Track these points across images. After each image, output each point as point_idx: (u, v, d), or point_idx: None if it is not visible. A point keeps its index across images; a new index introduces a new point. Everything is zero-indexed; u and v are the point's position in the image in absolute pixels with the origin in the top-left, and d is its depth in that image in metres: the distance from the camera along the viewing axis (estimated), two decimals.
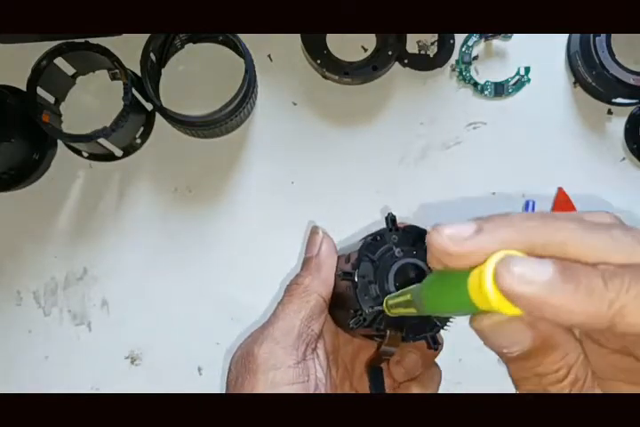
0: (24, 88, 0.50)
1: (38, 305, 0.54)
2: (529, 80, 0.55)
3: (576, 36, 0.54)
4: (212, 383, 0.51)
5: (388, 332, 0.33)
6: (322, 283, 0.36)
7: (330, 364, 0.37)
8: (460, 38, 0.55)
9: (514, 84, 0.55)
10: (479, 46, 0.55)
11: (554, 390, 0.21)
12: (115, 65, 0.50)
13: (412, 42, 0.55)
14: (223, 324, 0.52)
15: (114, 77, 0.55)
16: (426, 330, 0.33)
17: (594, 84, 0.53)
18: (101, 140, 0.50)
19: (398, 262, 0.33)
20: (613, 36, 0.51)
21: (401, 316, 0.29)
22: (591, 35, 0.51)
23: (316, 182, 0.54)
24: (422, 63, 0.54)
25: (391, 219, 0.34)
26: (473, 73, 0.55)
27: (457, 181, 0.54)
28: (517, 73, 0.55)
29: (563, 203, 0.52)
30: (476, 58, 0.55)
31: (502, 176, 0.54)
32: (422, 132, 0.55)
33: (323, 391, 0.34)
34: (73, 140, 0.50)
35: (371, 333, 0.34)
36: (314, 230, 0.38)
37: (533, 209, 0.52)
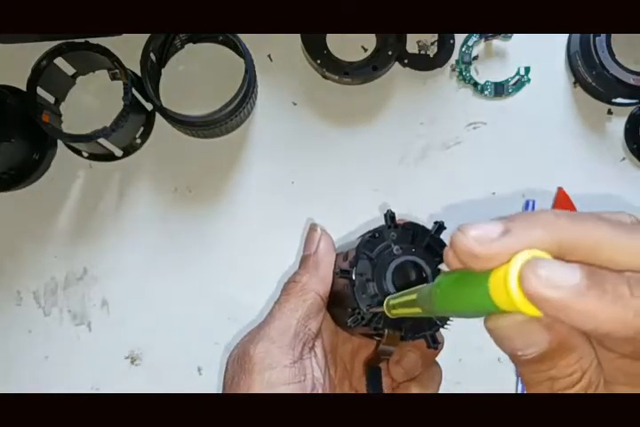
0: (24, 88, 0.50)
1: (38, 305, 0.54)
2: (529, 80, 0.55)
3: (576, 36, 0.54)
4: (212, 383, 0.51)
5: (387, 331, 0.32)
6: (320, 281, 0.35)
7: (328, 363, 0.37)
8: (460, 38, 0.55)
9: (514, 84, 0.55)
10: (479, 46, 0.55)
11: (566, 393, 0.21)
12: (115, 65, 0.50)
13: (412, 42, 0.55)
14: (223, 324, 0.52)
15: (114, 77, 0.55)
16: (425, 329, 0.33)
17: (594, 84, 0.53)
18: (101, 140, 0.50)
19: (397, 260, 0.33)
20: (613, 36, 0.51)
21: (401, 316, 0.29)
22: (591, 35, 0.51)
23: (316, 182, 0.54)
24: (422, 63, 0.54)
25: (390, 216, 0.34)
26: (473, 73, 0.55)
27: (457, 181, 0.54)
28: (517, 73, 0.55)
29: (563, 203, 0.52)
30: (475, 58, 0.55)
31: (502, 176, 0.54)
32: (422, 132, 0.55)
33: (320, 391, 0.34)
34: (73, 141, 0.50)
35: (369, 331, 0.34)
36: (312, 228, 0.38)
37: (533, 209, 0.52)
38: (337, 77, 0.53)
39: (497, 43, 0.55)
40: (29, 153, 0.53)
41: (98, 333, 0.54)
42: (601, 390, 0.22)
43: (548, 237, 0.19)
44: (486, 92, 0.55)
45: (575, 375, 0.21)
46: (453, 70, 0.55)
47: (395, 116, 0.55)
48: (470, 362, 0.51)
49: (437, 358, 0.38)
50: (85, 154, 0.55)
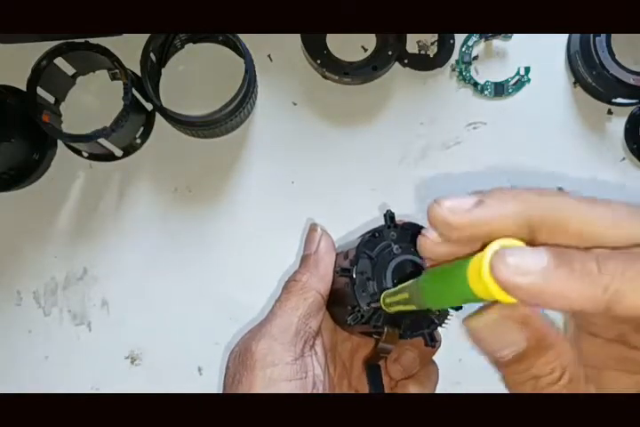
0: (24, 88, 0.50)
1: (38, 305, 0.54)
2: (529, 80, 0.55)
3: (576, 36, 0.54)
4: (212, 383, 0.51)
5: (386, 329, 0.33)
6: (320, 280, 0.36)
7: (328, 361, 0.37)
8: (460, 38, 0.55)
9: (514, 84, 0.55)
10: (479, 46, 0.55)
11: (550, 391, 0.21)
12: (115, 65, 0.50)
13: (412, 42, 0.55)
14: (223, 324, 0.52)
15: (114, 77, 0.55)
16: (423, 327, 0.33)
17: (594, 84, 0.53)
18: (101, 140, 0.50)
19: (396, 259, 0.33)
20: (613, 36, 0.51)
21: (398, 312, 0.29)
22: (591, 35, 0.51)
23: (316, 182, 0.54)
24: (422, 63, 0.54)
25: (390, 216, 0.34)
26: (473, 73, 0.55)
27: (457, 181, 0.54)
28: (517, 73, 0.55)
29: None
30: (475, 58, 0.55)
31: (502, 176, 0.54)
32: (422, 132, 0.55)
33: (320, 388, 0.34)
34: (73, 141, 0.50)
35: (368, 330, 0.34)
36: (312, 227, 0.38)
37: None
38: (337, 77, 0.53)
39: (497, 43, 0.55)
40: (29, 153, 0.53)
41: (98, 333, 0.54)
42: (583, 386, 0.22)
43: (518, 209, 0.20)
44: (486, 92, 0.55)
45: (556, 373, 0.21)
46: (453, 70, 0.55)
47: (395, 116, 0.55)
48: (470, 362, 0.51)
49: (438, 358, 0.38)
50: (85, 154, 0.55)
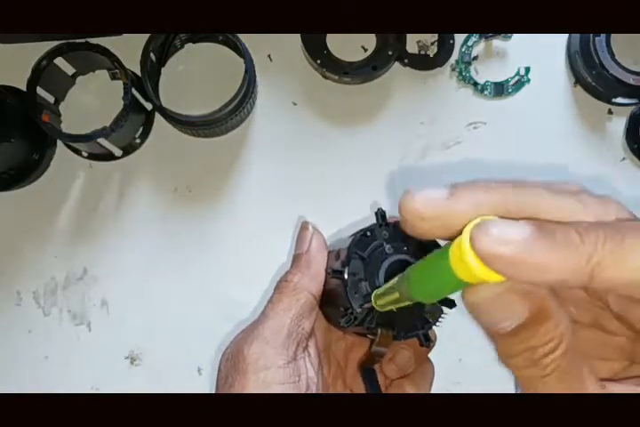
0: (24, 88, 0.50)
1: (38, 305, 0.54)
2: (529, 80, 0.55)
3: (576, 36, 0.54)
4: (212, 384, 0.51)
5: (379, 331, 0.32)
6: (312, 280, 0.35)
7: (322, 362, 0.37)
8: (459, 38, 0.55)
9: (514, 84, 0.55)
10: (479, 46, 0.55)
11: (546, 361, 0.21)
12: (114, 65, 0.50)
13: (412, 42, 0.55)
14: (223, 324, 0.52)
15: (114, 77, 0.55)
16: (417, 327, 0.33)
17: (594, 83, 0.53)
18: (101, 140, 0.50)
19: (389, 259, 0.32)
20: (613, 36, 0.51)
21: (391, 311, 0.29)
22: (591, 35, 0.51)
23: (316, 182, 0.54)
24: (422, 63, 0.54)
25: (381, 214, 0.34)
26: (473, 73, 0.55)
27: (456, 181, 0.54)
28: (517, 73, 0.55)
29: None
30: (475, 58, 0.55)
31: (502, 176, 0.54)
32: (422, 132, 0.55)
33: (314, 391, 0.34)
34: (73, 140, 0.50)
35: (362, 331, 0.34)
36: (304, 226, 0.38)
37: None
38: (337, 77, 0.53)
39: (497, 43, 0.55)
40: (29, 153, 0.53)
41: (98, 333, 0.54)
42: (577, 357, 0.22)
43: (491, 198, 0.20)
44: (486, 92, 0.55)
45: (553, 342, 0.21)
46: (453, 70, 0.55)
47: (395, 116, 0.55)
48: (470, 362, 0.51)
49: (438, 358, 0.38)
50: (85, 154, 0.55)
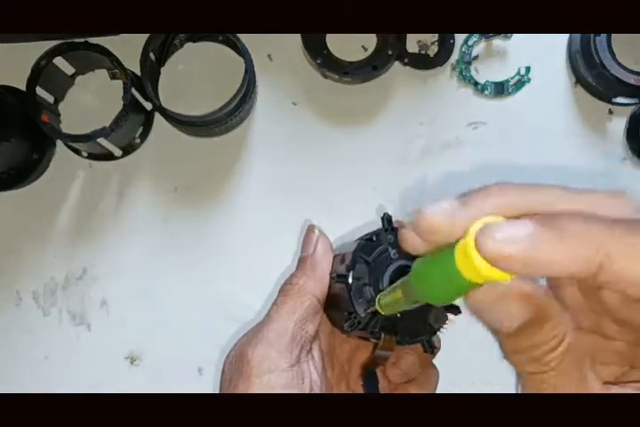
0: (23, 88, 0.50)
1: (38, 305, 0.54)
2: (529, 80, 0.55)
3: (576, 36, 0.54)
4: (213, 384, 0.51)
5: (383, 336, 0.32)
6: (317, 283, 0.35)
7: (325, 364, 0.37)
8: (460, 38, 0.55)
9: (514, 83, 0.55)
10: (479, 46, 0.55)
11: (547, 358, 0.21)
12: (114, 65, 0.50)
13: (413, 41, 0.55)
14: (223, 324, 0.52)
15: (113, 77, 0.55)
16: (421, 333, 0.33)
17: (594, 83, 0.53)
18: (101, 140, 0.50)
19: (394, 264, 0.32)
20: (614, 35, 0.51)
21: (395, 316, 0.29)
22: (591, 35, 0.51)
23: (316, 182, 0.54)
24: (422, 63, 0.54)
25: (387, 219, 0.33)
26: (473, 73, 0.55)
27: (457, 181, 0.54)
28: (517, 73, 0.55)
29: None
30: (476, 57, 0.55)
31: (502, 176, 0.54)
32: (422, 132, 0.55)
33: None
34: (72, 140, 0.50)
35: (365, 335, 0.33)
36: (310, 229, 0.38)
37: None
38: (337, 77, 0.53)
39: (497, 42, 0.55)
40: (29, 153, 0.53)
41: (97, 333, 0.54)
42: (579, 359, 0.22)
43: (502, 203, 0.20)
44: (486, 92, 0.55)
45: (555, 340, 0.21)
46: (453, 70, 0.55)
47: (395, 115, 0.55)
48: (470, 362, 0.51)
49: (439, 358, 0.38)
50: (85, 154, 0.55)
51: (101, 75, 0.55)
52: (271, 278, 0.50)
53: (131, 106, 0.50)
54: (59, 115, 0.55)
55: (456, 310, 0.32)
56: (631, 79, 0.51)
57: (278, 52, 0.55)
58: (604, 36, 0.51)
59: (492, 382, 0.51)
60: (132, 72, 0.52)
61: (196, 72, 0.55)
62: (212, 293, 0.54)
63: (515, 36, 0.54)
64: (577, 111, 0.55)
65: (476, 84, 0.55)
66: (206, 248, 0.54)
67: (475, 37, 0.55)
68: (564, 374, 0.21)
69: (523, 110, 0.55)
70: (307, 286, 0.35)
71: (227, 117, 0.51)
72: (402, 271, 0.32)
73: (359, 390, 0.37)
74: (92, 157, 0.55)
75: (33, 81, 0.50)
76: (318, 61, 0.52)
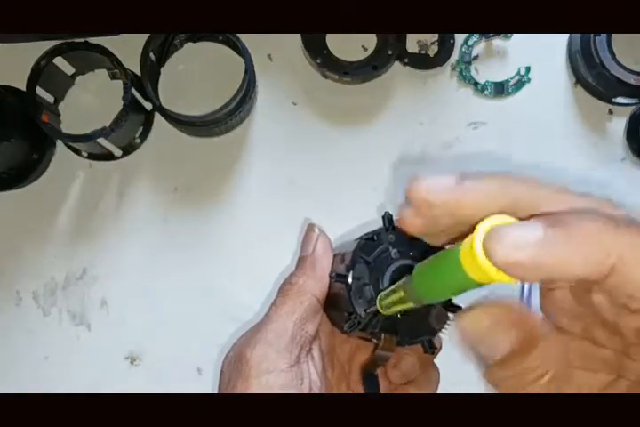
0: (23, 88, 0.50)
1: (38, 305, 0.54)
2: (529, 80, 0.55)
3: (576, 36, 0.54)
4: (212, 384, 0.51)
5: (383, 336, 0.32)
6: (316, 283, 0.35)
7: (325, 365, 0.36)
8: (460, 38, 0.55)
9: (514, 83, 0.55)
10: (479, 46, 0.55)
11: (533, 388, 0.21)
12: (114, 64, 0.50)
13: (413, 41, 0.55)
14: (223, 324, 0.52)
15: (113, 77, 0.55)
16: (422, 334, 0.32)
17: (594, 83, 0.53)
18: (101, 140, 0.50)
19: (394, 264, 0.32)
20: (614, 35, 0.51)
21: (396, 316, 0.28)
22: (591, 34, 0.51)
23: (316, 182, 0.54)
24: (422, 63, 0.54)
25: (388, 218, 0.33)
26: (473, 73, 0.55)
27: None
28: (517, 73, 0.55)
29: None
30: (476, 57, 0.55)
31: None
32: (422, 132, 0.55)
33: None
34: (72, 140, 0.50)
35: (365, 336, 0.33)
36: (309, 228, 0.37)
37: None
38: (337, 77, 0.53)
39: (497, 42, 0.55)
40: (29, 153, 0.53)
41: (97, 333, 0.54)
42: (566, 384, 0.22)
43: (502, 191, 0.20)
44: (486, 92, 0.55)
45: (540, 370, 0.21)
46: (453, 70, 0.55)
47: (395, 116, 0.55)
48: (470, 362, 0.51)
49: (438, 358, 0.38)
50: (85, 154, 0.55)
51: (101, 75, 0.55)
52: (271, 278, 0.50)
53: (131, 106, 0.50)
54: (59, 115, 0.55)
55: (457, 308, 0.32)
56: (631, 79, 0.51)
57: (278, 52, 0.55)
58: (603, 36, 0.51)
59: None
60: (132, 72, 0.52)
61: (196, 72, 0.55)
62: (212, 293, 0.54)
63: (515, 36, 0.54)
64: (577, 111, 0.55)
65: (476, 84, 0.55)
66: (206, 248, 0.54)
67: (475, 37, 0.55)
68: None
69: (523, 110, 0.55)
70: (306, 286, 0.35)
71: (227, 117, 0.51)
72: (403, 271, 0.32)
73: (359, 390, 0.37)
74: (91, 157, 0.55)
75: (33, 81, 0.50)
76: (318, 61, 0.52)
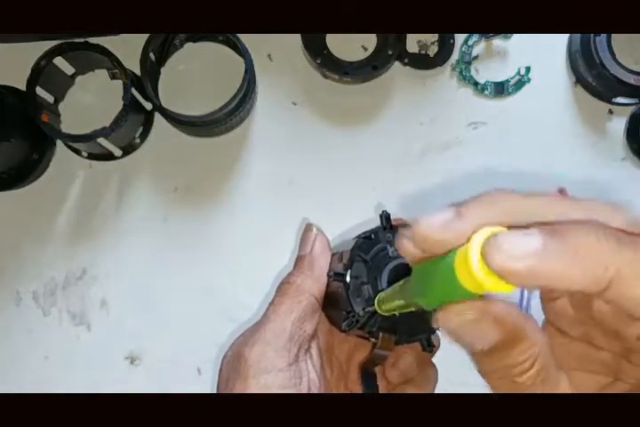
0: (23, 88, 0.50)
1: (37, 305, 0.54)
2: (529, 80, 0.55)
3: (576, 36, 0.54)
4: (212, 384, 0.51)
5: (381, 335, 0.32)
6: (315, 282, 0.35)
7: (324, 364, 0.36)
8: (460, 38, 0.55)
9: (514, 83, 0.55)
10: (479, 46, 0.55)
11: (521, 380, 0.21)
12: (114, 64, 0.50)
13: (413, 41, 0.55)
14: (223, 324, 0.52)
15: (113, 77, 0.55)
16: (420, 332, 0.32)
17: (594, 83, 0.53)
18: (101, 140, 0.50)
19: (392, 263, 0.32)
20: (614, 35, 0.51)
21: (394, 314, 0.29)
22: (591, 34, 0.51)
23: (316, 182, 0.54)
24: (422, 63, 0.54)
25: (385, 217, 0.33)
26: (473, 73, 0.55)
27: (457, 181, 0.54)
28: (518, 73, 0.55)
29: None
30: (476, 57, 0.55)
31: (502, 176, 0.54)
32: (422, 132, 0.55)
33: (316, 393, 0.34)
34: (72, 140, 0.50)
35: (364, 334, 0.33)
36: (308, 227, 0.37)
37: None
38: (337, 77, 0.53)
39: (497, 42, 0.55)
40: (29, 153, 0.53)
41: (97, 333, 0.54)
42: (553, 376, 0.22)
43: (498, 213, 0.20)
44: (486, 92, 0.55)
45: (527, 363, 0.21)
46: (453, 70, 0.55)
47: (395, 116, 0.55)
48: (470, 362, 0.51)
49: (437, 358, 0.38)
50: (85, 154, 0.55)
51: (101, 75, 0.55)
52: (271, 278, 0.50)
53: (131, 106, 0.50)
54: (59, 115, 0.55)
55: None
56: (631, 79, 0.51)
57: (278, 52, 0.55)
58: (603, 36, 0.51)
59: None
60: (132, 72, 0.52)
61: (196, 72, 0.55)
62: (212, 293, 0.54)
63: (515, 36, 0.54)
64: (577, 111, 0.55)
65: (476, 84, 0.55)
66: (206, 248, 0.54)
67: (475, 37, 0.55)
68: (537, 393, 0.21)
69: (523, 110, 0.55)
70: (304, 285, 0.35)
71: (227, 117, 0.51)
72: (400, 270, 0.32)
73: (358, 389, 0.37)
74: (91, 157, 0.55)
75: (33, 81, 0.50)
76: (318, 61, 0.52)
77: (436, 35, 0.55)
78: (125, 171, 0.55)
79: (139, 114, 0.53)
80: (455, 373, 0.50)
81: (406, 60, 0.54)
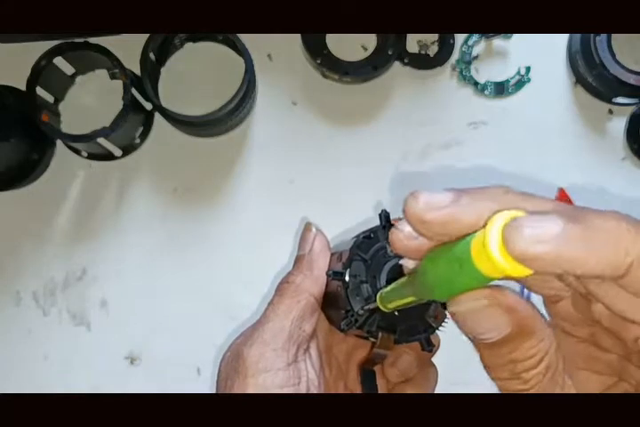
0: (23, 88, 0.50)
1: (37, 305, 0.54)
2: (529, 80, 0.55)
3: (577, 36, 0.54)
4: (211, 384, 0.51)
5: (380, 334, 0.32)
6: (314, 282, 0.35)
7: (323, 363, 0.36)
8: (460, 38, 0.55)
9: (514, 83, 0.55)
10: (480, 46, 0.55)
11: (527, 376, 0.21)
12: (114, 64, 0.50)
13: (413, 41, 0.55)
14: (222, 324, 0.52)
15: (113, 77, 0.55)
16: (419, 331, 0.32)
17: (594, 83, 0.53)
18: (101, 140, 0.50)
19: (391, 262, 0.32)
20: (614, 35, 0.51)
21: (393, 314, 0.28)
22: (591, 34, 0.51)
23: (316, 182, 0.54)
24: (423, 63, 0.54)
25: (385, 216, 0.33)
26: (473, 72, 0.55)
27: (457, 182, 0.54)
28: (518, 72, 0.55)
29: (563, 203, 0.52)
30: (476, 57, 0.55)
31: (502, 176, 0.54)
32: (422, 132, 0.55)
33: (315, 393, 0.34)
34: (72, 140, 0.50)
35: (363, 334, 0.33)
36: (307, 227, 0.37)
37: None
38: (337, 77, 0.53)
39: (497, 42, 0.55)
40: (29, 153, 0.53)
41: (97, 333, 0.54)
42: (560, 373, 0.22)
43: (496, 205, 0.19)
44: (487, 92, 0.55)
45: (535, 358, 0.21)
46: (454, 70, 0.55)
47: (395, 116, 0.55)
48: (470, 362, 0.51)
49: (437, 358, 0.38)
50: (85, 153, 0.55)
51: (101, 75, 0.55)
52: (271, 278, 0.50)
53: (131, 106, 0.50)
54: (59, 115, 0.55)
55: None
56: (631, 79, 0.51)
57: (278, 52, 0.55)
58: (603, 36, 0.51)
59: (492, 382, 0.51)
60: (132, 72, 0.52)
61: (196, 72, 0.55)
62: (212, 293, 0.54)
63: (515, 36, 0.54)
64: (577, 111, 0.55)
65: (476, 84, 0.55)
66: (206, 248, 0.54)
67: (475, 37, 0.55)
68: (542, 392, 0.21)
69: (523, 110, 0.55)
70: (303, 285, 0.35)
71: (227, 117, 0.51)
72: (399, 269, 0.32)
73: (357, 389, 0.37)
74: (91, 157, 0.55)
75: (33, 81, 0.50)
76: (318, 61, 0.52)
77: (436, 35, 0.55)
78: (125, 171, 0.55)
79: (139, 114, 0.53)
80: (455, 373, 0.50)
81: (406, 60, 0.54)
